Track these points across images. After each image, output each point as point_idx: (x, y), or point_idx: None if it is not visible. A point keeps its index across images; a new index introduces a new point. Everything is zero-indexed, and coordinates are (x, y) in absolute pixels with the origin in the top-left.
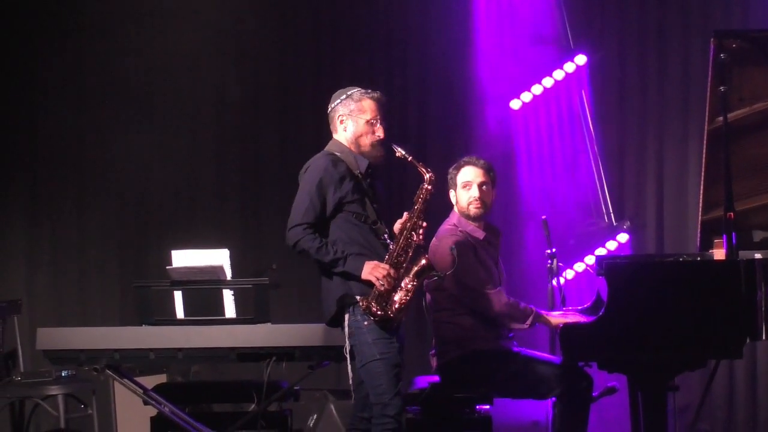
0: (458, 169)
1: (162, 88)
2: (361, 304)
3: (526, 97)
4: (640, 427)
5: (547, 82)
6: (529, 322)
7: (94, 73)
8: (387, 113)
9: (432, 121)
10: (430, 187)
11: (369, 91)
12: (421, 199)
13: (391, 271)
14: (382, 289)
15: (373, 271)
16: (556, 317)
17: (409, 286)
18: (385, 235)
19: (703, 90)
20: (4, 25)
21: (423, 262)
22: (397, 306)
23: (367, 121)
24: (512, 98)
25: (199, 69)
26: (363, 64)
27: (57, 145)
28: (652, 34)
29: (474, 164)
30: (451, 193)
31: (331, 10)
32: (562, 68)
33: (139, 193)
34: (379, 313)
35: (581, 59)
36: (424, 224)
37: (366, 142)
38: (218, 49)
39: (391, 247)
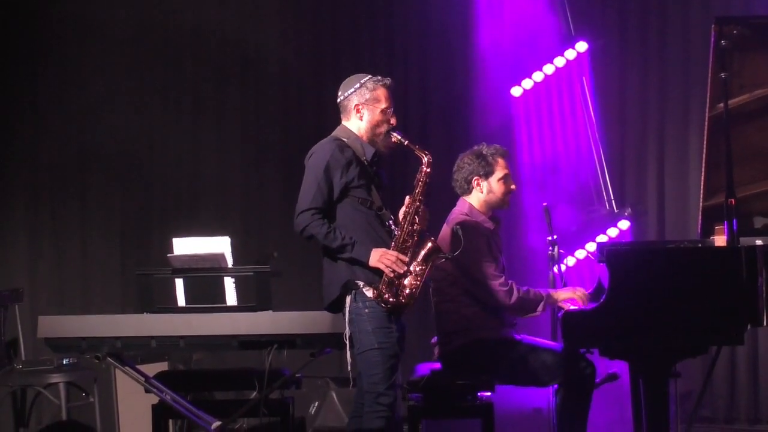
0: (494, 158)
1: (163, 75)
2: (372, 293)
3: (528, 84)
4: (642, 413)
5: (548, 68)
6: (540, 308)
7: (94, 59)
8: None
9: (433, 108)
10: (429, 170)
11: (380, 78)
12: (421, 182)
13: (400, 257)
14: (392, 275)
15: (381, 258)
16: (565, 291)
17: (418, 269)
18: (390, 222)
19: (704, 76)
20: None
21: (429, 244)
22: (408, 291)
23: (383, 110)
24: (513, 85)
25: (200, 57)
26: (364, 50)
27: (58, 132)
28: (653, 20)
29: (505, 155)
30: (479, 182)
31: None
32: (563, 55)
33: (140, 181)
34: (391, 300)
35: (582, 46)
36: (424, 207)
37: (381, 131)
38: (220, 39)
39: (396, 232)
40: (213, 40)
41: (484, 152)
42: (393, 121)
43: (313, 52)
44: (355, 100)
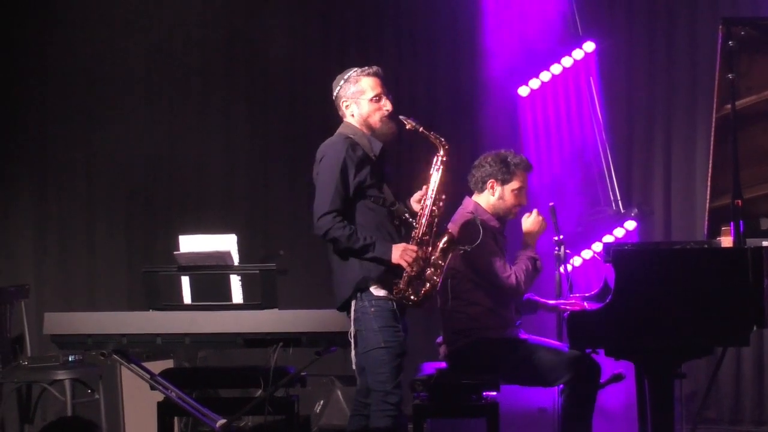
0: (516, 169)
1: (169, 73)
2: (382, 292)
3: (535, 83)
4: (647, 414)
5: (556, 68)
6: (539, 265)
7: (101, 58)
8: (391, 85)
9: (440, 107)
10: (446, 158)
11: (366, 68)
12: (439, 170)
13: (420, 253)
14: (413, 273)
15: (402, 255)
16: (532, 238)
17: (439, 263)
18: (406, 215)
19: (711, 77)
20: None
21: (447, 236)
22: (428, 286)
23: (371, 100)
24: (521, 85)
25: (207, 56)
26: (371, 50)
27: (65, 130)
28: (661, 20)
29: (528, 169)
30: (493, 186)
31: None
32: (570, 55)
33: (146, 179)
34: (413, 298)
35: (590, 46)
36: (444, 196)
37: (375, 119)
38: (227, 37)
39: (414, 225)
40: (220, 38)
41: (508, 159)
42: (387, 107)
43: (320, 53)
44: (342, 97)
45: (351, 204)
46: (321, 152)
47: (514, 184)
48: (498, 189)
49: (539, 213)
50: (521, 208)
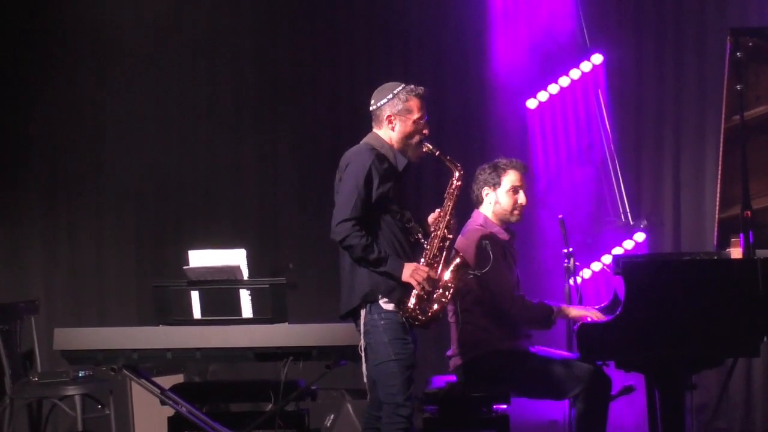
0: (504, 170)
1: (178, 87)
2: (390, 306)
3: (543, 96)
4: (658, 425)
5: (564, 81)
6: (550, 322)
7: (111, 70)
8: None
9: (448, 120)
10: (460, 183)
11: (413, 88)
12: (452, 195)
13: (431, 274)
14: (422, 293)
15: (413, 274)
16: (578, 309)
17: (449, 285)
18: (419, 235)
19: (720, 88)
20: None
21: (458, 260)
22: (436, 307)
23: (415, 121)
24: (529, 97)
25: (216, 70)
26: (379, 63)
27: (75, 146)
28: (669, 32)
29: (520, 169)
30: (487, 193)
31: (348, 8)
32: (578, 67)
33: (156, 194)
34: (421, 317)
35: (598, 58)
36: (453, 221)
37: (414, 141)
38: (236, 51)
39: (426, 246)
40: (229, 52)
41: (497, 164)
42: (426, 131)
43: (329, 67)
44: (387, 111)
45: (369, 215)
46: (347, 159)
47: (506, 185)
48: (492, 195)
49: (598, 315)
50: (522, 208)
